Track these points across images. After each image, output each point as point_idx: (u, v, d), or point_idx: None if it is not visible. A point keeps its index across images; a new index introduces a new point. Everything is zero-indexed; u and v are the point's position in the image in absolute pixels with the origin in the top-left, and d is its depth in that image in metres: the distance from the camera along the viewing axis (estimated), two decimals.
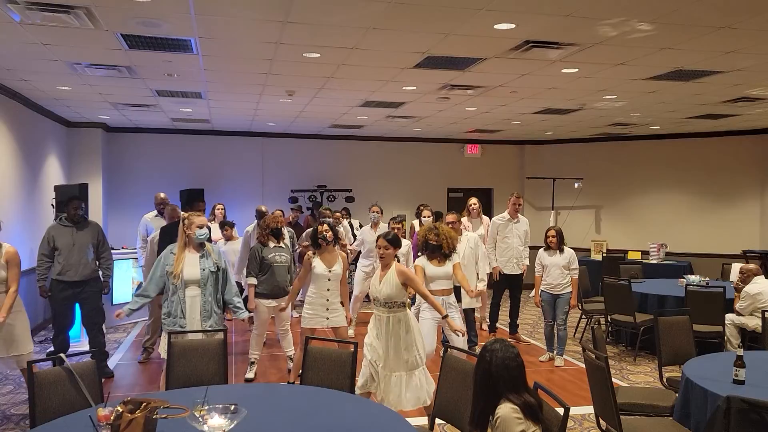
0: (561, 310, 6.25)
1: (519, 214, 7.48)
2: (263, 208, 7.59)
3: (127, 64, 5.78)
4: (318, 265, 5.06)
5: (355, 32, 4.71)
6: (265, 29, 4.64)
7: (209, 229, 4.61)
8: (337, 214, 8.62)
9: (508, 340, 2.59)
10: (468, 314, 6.60)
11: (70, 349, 5.82)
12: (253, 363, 5.85)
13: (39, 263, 5.60)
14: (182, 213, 5.66)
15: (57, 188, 7.49)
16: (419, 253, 5.34)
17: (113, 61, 5.66)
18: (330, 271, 5.07)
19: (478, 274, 6.25)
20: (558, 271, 6.22)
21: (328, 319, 5.09)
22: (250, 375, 5.79)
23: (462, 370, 3.24)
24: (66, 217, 5.64)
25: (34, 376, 2.99)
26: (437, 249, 5.09)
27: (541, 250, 6.42)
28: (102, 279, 5.89)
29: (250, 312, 5.53)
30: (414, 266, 5.29)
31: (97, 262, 5.82)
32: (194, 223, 4.42)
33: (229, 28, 4.64)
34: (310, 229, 5.78)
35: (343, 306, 5.20)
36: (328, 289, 5.08)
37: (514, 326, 7.57)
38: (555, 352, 6.45)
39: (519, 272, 7.41)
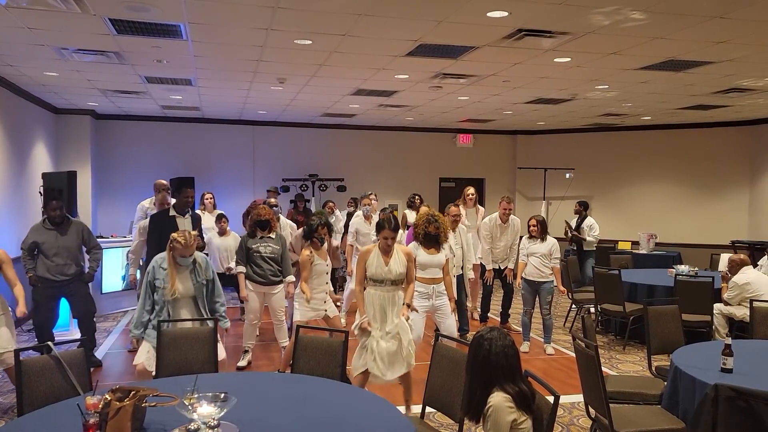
0: (544, 299, 6.28)
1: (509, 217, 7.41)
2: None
3: (115, 49, 5.69)
4: (318, 261, 5.17)
5: (347, 19, 4.66)
6: (256, 15, 4.58)
7: (202, 238, 4.48)
8: (331, 204, 8.57)
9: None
10: (460, 303, 6.62)
11: (57, 338, 5.76)
12: (246, 351, 5.83)
13: (23, 258, 5.47)
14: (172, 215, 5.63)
15: (45, 176, 7.41)
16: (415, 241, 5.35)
17: (101, 46, 5.58)
18: (327, 265, 5.26)
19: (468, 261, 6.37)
20: (539, 260, 6.24)
21: (326, 311, 5.22)
22: (242, 363, 5.78)
23: (453, 358, 3.23)
24: (48, 219, 5.49)
25: (22, 365, 2.96)
26: (435, 239, 5.12)
27: (525, 238, 6.45)
28: (86, 271, 5.76)
29: (242, 302, 5.49)
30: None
31: (86, 257, 5.76)
32: (177, 251, 4.12)
33: (219, 14, 4.58)
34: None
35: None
36: (327, 282, 5.22)
37: (505, 316, 7.61)
38: (529, 339, 6.50)
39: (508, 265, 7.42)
